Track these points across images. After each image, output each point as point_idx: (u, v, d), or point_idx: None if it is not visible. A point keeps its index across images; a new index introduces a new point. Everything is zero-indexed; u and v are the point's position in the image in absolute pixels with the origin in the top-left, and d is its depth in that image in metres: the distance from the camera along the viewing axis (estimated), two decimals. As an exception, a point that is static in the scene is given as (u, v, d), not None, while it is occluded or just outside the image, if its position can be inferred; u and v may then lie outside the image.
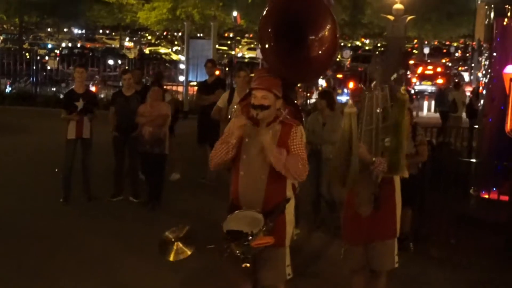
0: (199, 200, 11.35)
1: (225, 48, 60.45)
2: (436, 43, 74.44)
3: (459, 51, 72.19)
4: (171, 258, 5.73)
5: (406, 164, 6.27)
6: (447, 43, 75.28)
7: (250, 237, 5.26)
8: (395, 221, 6.47)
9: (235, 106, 7.29)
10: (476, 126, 13.22)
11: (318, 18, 5.80)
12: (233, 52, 52.42)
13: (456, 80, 27.81)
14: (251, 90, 5.67)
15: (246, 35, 71.85)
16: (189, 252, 5.74)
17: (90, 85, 22.05)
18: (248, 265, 5.39)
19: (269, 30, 5.88)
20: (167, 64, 34.66)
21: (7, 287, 7.65)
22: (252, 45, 62.97)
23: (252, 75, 7.42)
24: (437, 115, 24.03)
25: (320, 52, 5.79)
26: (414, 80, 37.79)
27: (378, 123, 6.03)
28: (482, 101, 12.31)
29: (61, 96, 13.55)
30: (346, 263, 6.67)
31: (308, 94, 25.74)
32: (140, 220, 10.33)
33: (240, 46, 66.00)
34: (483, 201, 10.43)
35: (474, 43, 41.40)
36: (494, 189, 10.01)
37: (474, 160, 11.64)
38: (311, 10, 5.81)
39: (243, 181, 5.61)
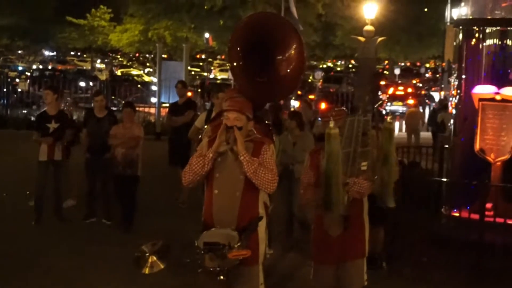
0: (172, 222, 11.31)
1: (197, 69, 60.49)
2: (409, 64, 75.06)
3: (429, 72, 72.92)
4: (146, 271, 5.82)
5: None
6: (418, 64, 75.95)
7: (227, 248, 5.31)
8: (364, 240, 6.55)
9: (205, 127, 7.35)
10: (446, 146, 13.33)
11: (284, 37, 5.88)
12: (205, 74, 52.45)
13: (444, 101, 28.14)
14: (223, 111, 5.74)
15: (218, 56, 71.96)
16: (162, 266, 5.83)
17: (62, 105, 21.94)
18: (222, 277, 5.41)
19: (237, 49, 5.94)
20: (139, 86, 34.62)
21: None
22: (224, 67, 63.09)
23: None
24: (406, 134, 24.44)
25: (287, 71, 5.86)
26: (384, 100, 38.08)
27: (357, 147, 6.08)
28: (452, 121, 12.43)
29: (32, 118, 13.51)
30: (316, 283, 6.70)
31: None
32: (113, 241, 10.27)
33: (212, 68, 66.09)
34: (454, 220, 10.51)
35: (443, 64, 41.87)
36: (465, 207, 10.10)
37: (444, 180, 11.73)
38: (277, 30, 5.90)
39: (217, 200, 5.68)
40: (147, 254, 5.78)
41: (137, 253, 5.84)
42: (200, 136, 6.96)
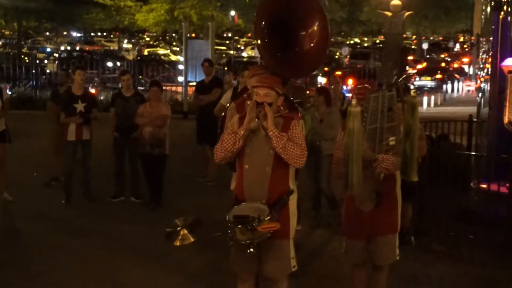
0: (199, 200, 11.37)
1: (224, 48, 60.46)
2: (441, 38, 74.28)
3: (459, 46, 72.19)
4: (177, 243, 5.95)
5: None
6: (440, 39, 75.20)
7: (257, 221, 5.35)
8: (397, 216, 6.52)
9: (228, 105, 7.36)
10: (475, 120, 13.23)
11: (307, 13, 5.88)
12: (231, 52, 52.42)
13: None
14: (253, 87, 5.75)
15: (245, 35, 71.88)
16: (192, 239, 5.96)
17: (90, 88, 22.09)
18: (253, 250, 5.47)
19: (262, 26, 5.96)
20: (166, 65, 34.68)
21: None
22: (251, 45, 62.99)
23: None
24: (437, 109, 24.16)
25: (311, 47, 5.86)
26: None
27: (383, 123, 6.03)
28: (480, 94, 12.35)
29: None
30: (348, 257, 6.72)
31: (308, 92, 25.75)
32: (141, 220, 10.35)
33: (239, 46, 66.00)
34: (483, 195, 10.44)
35: (472, 37, 41.43)
36: (495, 182, 10.02)
37: (473, 153, 11.66)
38: (301, 5, 5.89)
39: (248, 175, 5.73)
40: (179, 228, 5.90)
41: (168, 228, 5.98)
42: (223, 114, 6.99)
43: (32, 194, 11.73)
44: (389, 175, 6.28)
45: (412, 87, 27.51)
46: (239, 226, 5.40)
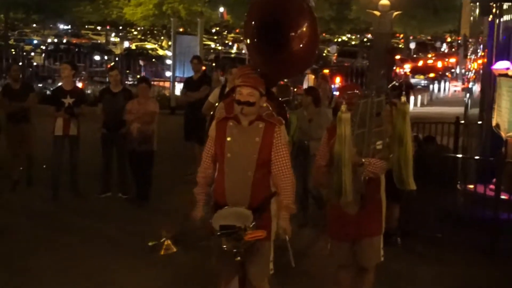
0: (186, 197, 11.32)
1: (211, 43, 60.35)
2: (430, 37, 74.35)
3: (446, 46, 72.39)
4: (161, 252, 5.91)
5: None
6: (429, 38, 75.30)
7: (243, 231, 5.34)
8: (381, 218, 6.54)
9: (217, 104, 7.37)
10: (463, 122, 13.29)
11: (297, 14, 5.90)
12: (219, 48, 52.33)
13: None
14: (236, 87, 5.74)
15: (234, 31, 71.76)
16: (175, 249, 5.92)
17: (77, 81, 22.00)
18: (240, 258, 5.47)
19: (252, 26, 5.98)
20: (153, 60, 34.61)
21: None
22: (239, 42, 62.88)
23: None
24: (423, 109, 24.23)
25: (300, 48, 5.88)
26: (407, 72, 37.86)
27: (371, 127, 6.04)
28: (467, 95, 12.42)
29: (48, 92, 13.50)
30: (333, 259, 6.74)
31: (295, 90, 25.73)
32: (128, 217, 10.35)
33: (227, 41, 65.89)
34: (470, 197, 10.49)
35: (459, 38, 41.53)
36: (481, 184, 10.08)
37: (459, 156, 11.71)
38: (290, 6, 5.91)
39: (229, 179, 5.70)
40: (163, 239, 5.88)
41: (151, 241, 5.97)
42: (212, 112, 6.99)
43: (18, 188, 11.66)
44: (374, 177, 6.30)
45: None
46: (225, 237, 5.40)
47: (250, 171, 5.64)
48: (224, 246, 5.45)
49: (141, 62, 29.85)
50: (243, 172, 5.65)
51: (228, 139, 5.68)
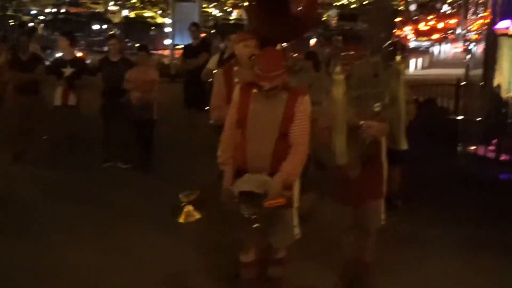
0: (188, 164, 11.35)
1: (210, 10, 59.99)
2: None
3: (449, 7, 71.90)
4: (181, 220, 5.89)
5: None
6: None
7: (263, 197, 5.35)
8: (383, 181, 6.54)
9: (215, 71, 7.32)
10: (463, 83, 13.25)
11: None
12: (218, 14, 52.04)
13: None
14: (257, 78, 5.54)
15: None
16: (197, 216, 5.89)
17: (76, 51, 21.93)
18: (258, 225, 5.48)
19: None
20: (152, 28, 34.47)
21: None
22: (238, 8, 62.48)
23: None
24: (423, 72, 24.17)
25: (299, 10, 5.84)
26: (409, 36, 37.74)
27: (368, 89, 6.01)
28: (469, 56, 12.36)
29: (46, 62, 13.47)
30: (336, 223, 6.75)
31: (296, 55, 25.63)
32: (130, 185, 10.36)
33: (226, 8, 65.49)
34: (471, 158, 10.50)
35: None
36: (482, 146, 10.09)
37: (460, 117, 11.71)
38: None
39: (251, 147, 5.64)
40: (183, 204, 5.85)
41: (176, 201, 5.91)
42: (210, 80, 6.95)
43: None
44: (374, 141, 6.29)
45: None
46: (245, 203, 5.39)
47: (272, 139, 5.59)
48: (244, 213, 5.44)
49: None
50: (265, 140, 5.59)
51: (252, 106, 5.61)
